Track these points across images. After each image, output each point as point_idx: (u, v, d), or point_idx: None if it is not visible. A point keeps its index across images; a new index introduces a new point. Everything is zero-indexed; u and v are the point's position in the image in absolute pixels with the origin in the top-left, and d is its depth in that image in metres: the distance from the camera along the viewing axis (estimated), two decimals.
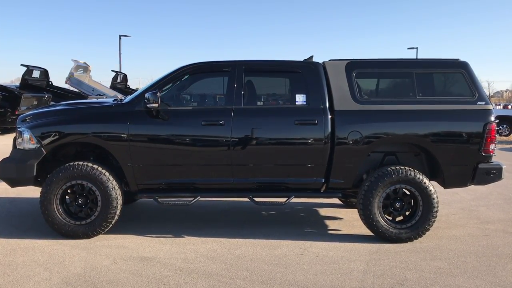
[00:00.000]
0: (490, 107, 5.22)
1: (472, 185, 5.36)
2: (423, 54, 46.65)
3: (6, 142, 12.36)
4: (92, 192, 5.04)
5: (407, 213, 5.18)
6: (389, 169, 5.05)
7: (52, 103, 16.46)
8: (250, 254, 4.69)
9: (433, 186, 5.10)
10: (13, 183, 5.24)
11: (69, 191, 5.10)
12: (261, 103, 5.61)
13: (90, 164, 5.03)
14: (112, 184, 5.03)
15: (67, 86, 22.14)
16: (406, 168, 5.07)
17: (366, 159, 5.25)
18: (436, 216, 5.08)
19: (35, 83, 18.67)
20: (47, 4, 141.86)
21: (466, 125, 5.14)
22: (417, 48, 34.58)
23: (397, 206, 5.13)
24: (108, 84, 23.90)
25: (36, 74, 18.78)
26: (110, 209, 5.01)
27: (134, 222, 5.85)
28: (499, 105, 47.28)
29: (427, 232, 5.12)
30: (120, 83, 24.22)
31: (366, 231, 5.27)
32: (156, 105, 4.97)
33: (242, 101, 5.17)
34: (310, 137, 5.10)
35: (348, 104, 5.14)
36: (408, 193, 5.14)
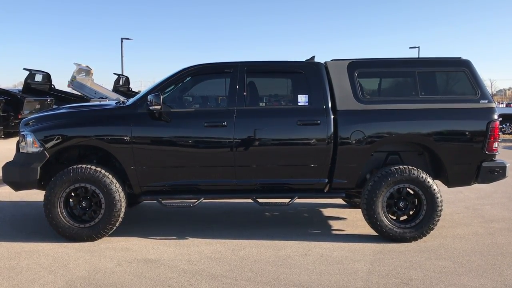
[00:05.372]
0: (493, 105, 5.21)
1: (476, 184, 5.35)
2: (425, 53, 46.67)
3: (10, 146, 12.40)
4: (95, 195, 5.05)
5: (411, 212, 5.17)
6: (392, 168, 5.04)
7: (54, 106, 16.50)
8: (254, 255, 4.69)
9: (436, 185, 5.08)
10: (16, 186, 5.26)
11: (72, 194, 5.11)
12: (264, 104, 5.61)
13: (93, 167, 5.03)
14: (116, 186, 5.03)
15: (69, 90, 22.18)
16: (410, 167, 5.06)
17: (369, 158, 5.24)
18: (440, 215, 5.06)
19: (37, 87, 18.68)
20: (49, 9, 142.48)
21: (469, 123, 5.13)
22: (419, 47, 34.36)
23: (401, 205, 5.11)
24: (111, 87, 23.91)
25: (38, 78, 18.80)
26: (114, 211, 5.01)
27: (138, 224, 5.86)
28: (502, 103, 47.00)
29: (431, 231, 5.10)
30: (122, 86, 24.24)
31: (370, 231, 5.26)
32: (159, 107, 4.97)
33: (244, 102, 5.17)
34: (313, 138, 5.10)
35: (351, 104, 5.13)
36: (412, 192, 5.13)
